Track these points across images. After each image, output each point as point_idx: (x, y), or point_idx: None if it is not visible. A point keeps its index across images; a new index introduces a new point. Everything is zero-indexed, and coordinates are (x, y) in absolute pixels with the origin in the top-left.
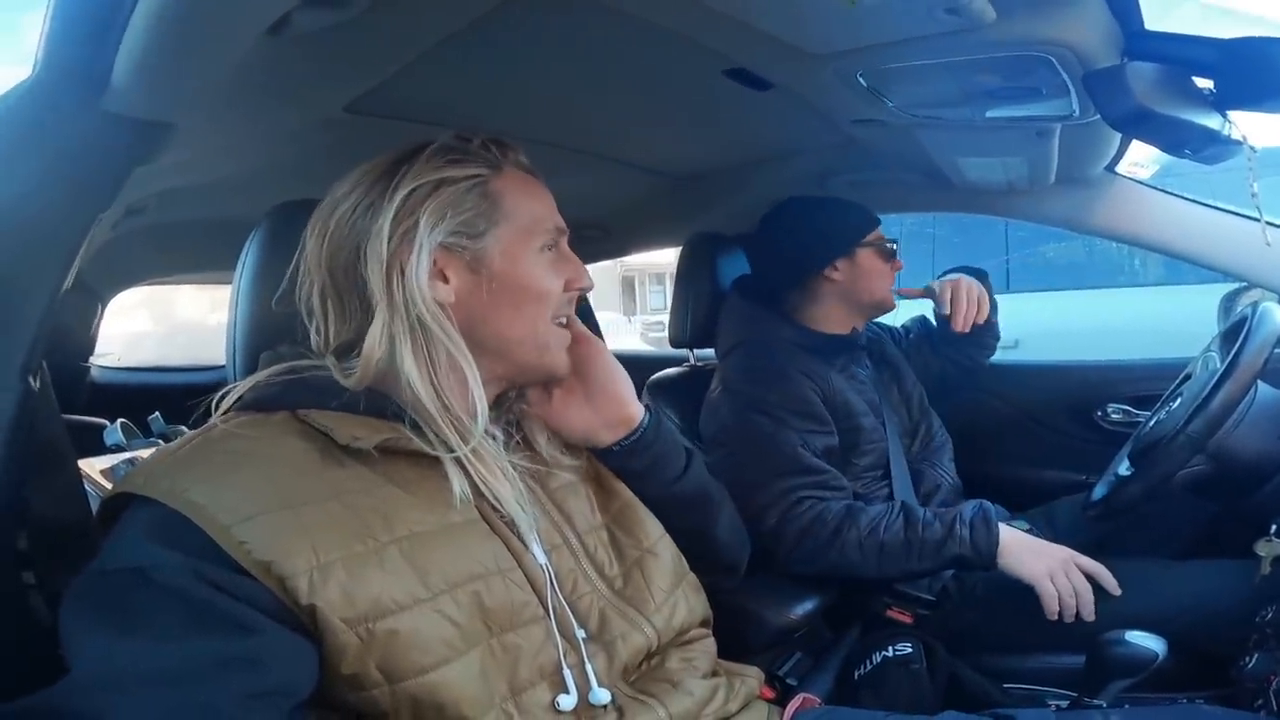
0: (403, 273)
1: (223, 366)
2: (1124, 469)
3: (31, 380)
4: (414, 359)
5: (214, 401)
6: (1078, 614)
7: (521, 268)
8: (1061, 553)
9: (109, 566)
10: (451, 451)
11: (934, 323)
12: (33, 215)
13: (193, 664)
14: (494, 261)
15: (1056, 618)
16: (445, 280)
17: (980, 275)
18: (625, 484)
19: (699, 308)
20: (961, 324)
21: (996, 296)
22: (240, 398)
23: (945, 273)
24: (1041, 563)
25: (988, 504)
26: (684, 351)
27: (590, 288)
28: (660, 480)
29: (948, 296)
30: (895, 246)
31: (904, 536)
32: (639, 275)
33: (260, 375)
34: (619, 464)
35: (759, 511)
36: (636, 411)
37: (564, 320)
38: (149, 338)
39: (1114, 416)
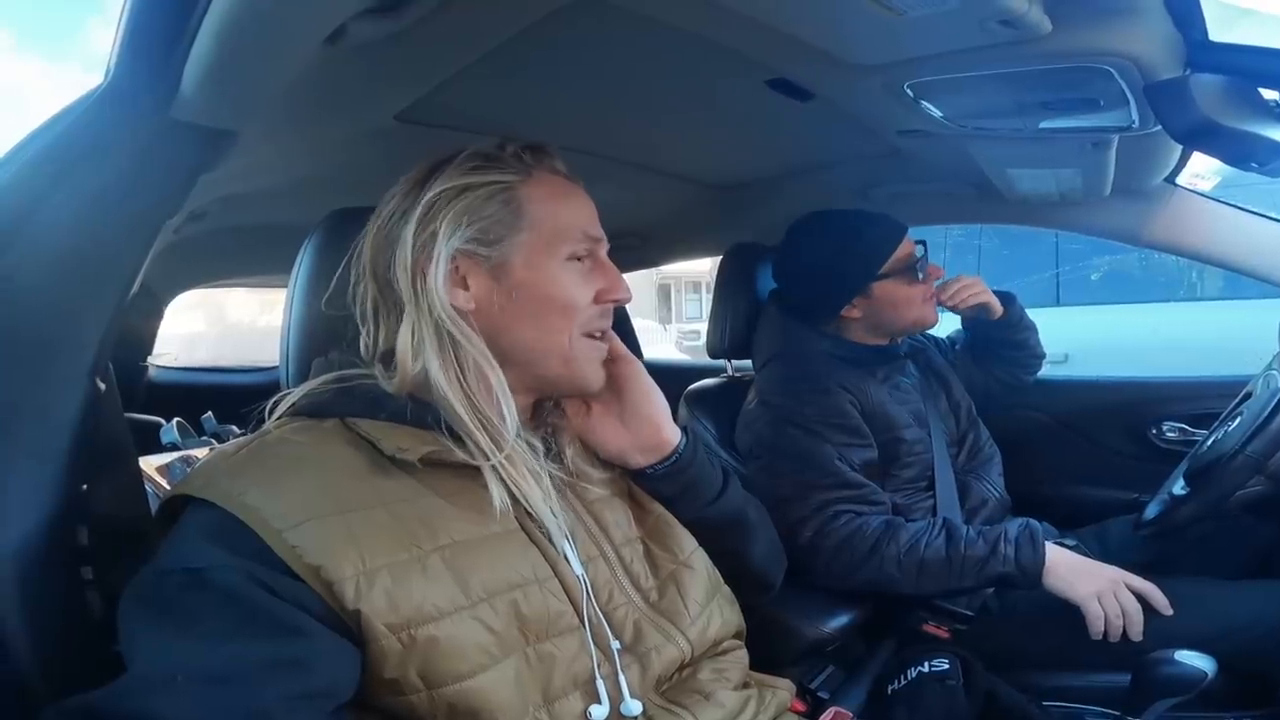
0: (424, 278)
1: (273, 368)
2: (1179, 488)
3: (98, 381)
4: (441, 364)
5: (268, 407)
6: (1125, 634)
7: (544, 276)
8: (1110, 572)
9: (166, 566)
10: (488, 459)
11: (970, 333)
12: (104, 220)
13: (243, 665)
14: (516, 270)
15: (1102, 638)
16: (466, 287)
17: (1006, 295)
18: (690, 502)
19: (737, 318)
20: (946, 297)
21: (1045, 311)
22: (293, 404)
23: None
24: (1089, 583)
25: (1034, 522)
26: (722, 362)
27: (626, 300)
28: (694, 505)
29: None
30: (922, 257)
31: (945, 554)
32: (675, 283)
33: (313, 383)
34: (652, 487)
35: (795, 525)
36: (672, 436)
37: (598, 333)
38: (204, 339)
39: (1169, 434)
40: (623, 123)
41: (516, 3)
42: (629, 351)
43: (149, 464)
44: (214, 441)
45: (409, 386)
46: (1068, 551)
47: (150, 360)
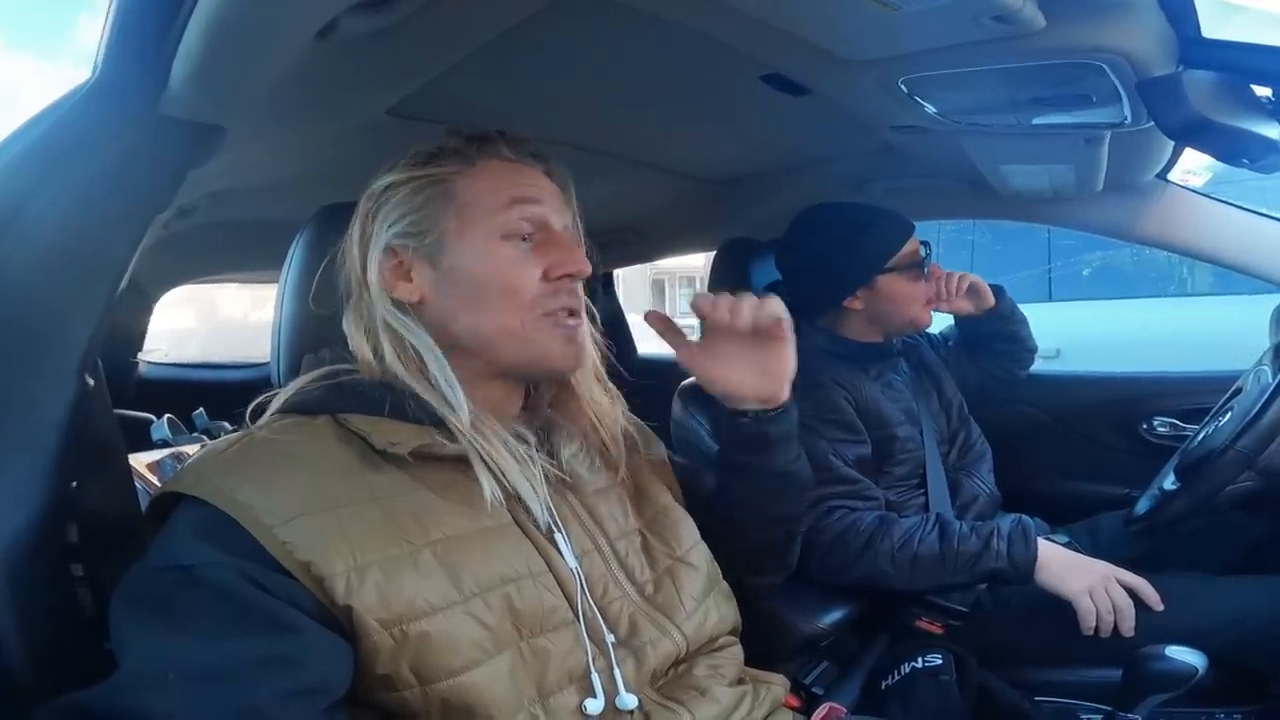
0: (365, 273)
1: (265, 363)
2: (1169, 483)
3: (87, 377)
4: (395, 355)
5: (250, 409)
6: (1116, 629)
7: (479, 261)
8: (1102, 568)
9: (158, 564)
10: (466, 438)
11: (961, 328)
12: (90, 219)
13: (236, 662)
14: (450, 257)
15: (1093, 633)
16: (410, 279)
17: (995, 288)
18: (747, 459)
19: None
20: (939, 298)
21: (1038, 306)
22: (285, 401)
23: None
24: (1081, 579)
25: (1026, 518)
26: None
27: (579, 272)
28: (787, 455)
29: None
30: (926, 257)
31: (939, 550)
32: (669, 278)
33: (303, 380)
34: (760, 429)
35: None
36: (785, 394)
37: (562, 311)
38: (194, 334)
39: (1160, 429)
40: (616, 118)
41: None
42: (788, 315)
43: (139, 461)
44: (205, 438)
45: (378, 376)
46: (1059, 547)
47: (140, 356)
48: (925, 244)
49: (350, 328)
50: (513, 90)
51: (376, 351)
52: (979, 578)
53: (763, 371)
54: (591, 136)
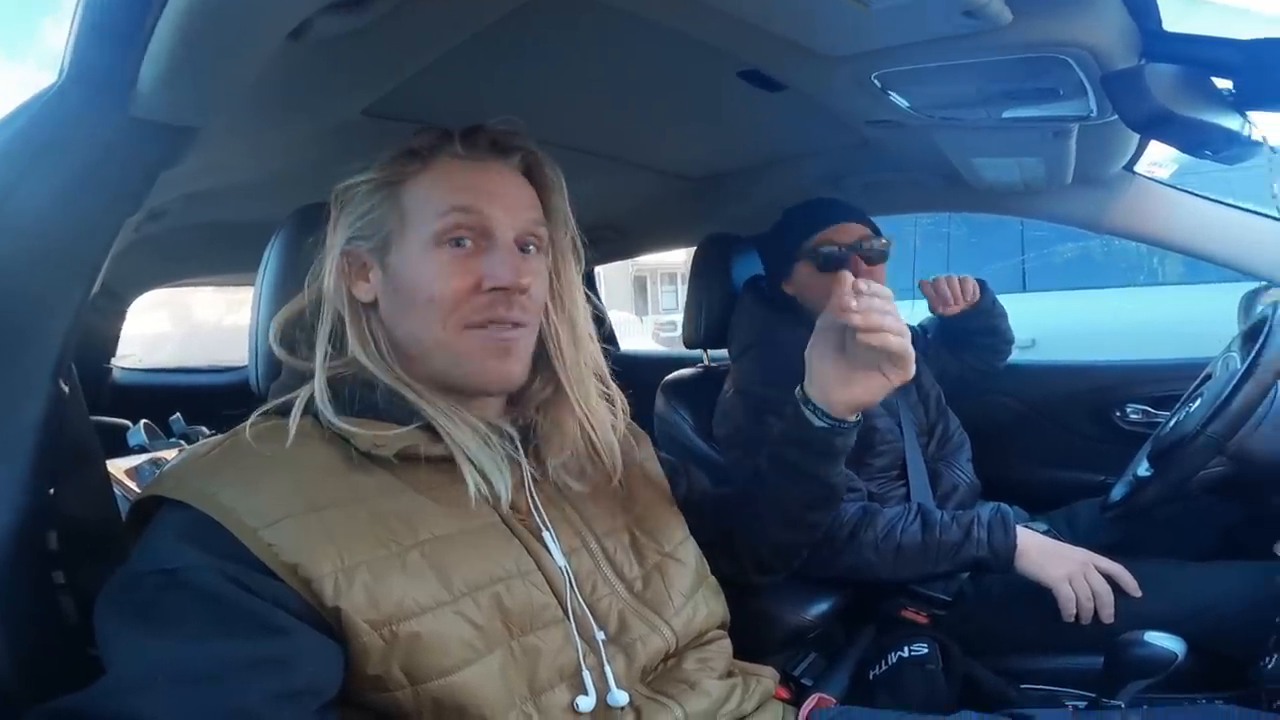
0: (330, 272)
1: (241, 367)
2: (1143, 470)
3: (61, 384)
4: (364, 354)
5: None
6: (1097, 616)
7: (410, 266)
8: (1080, 555)
9: (141, 568)
10: (444, 426)
11: (942, 323)
12: (61, 221)
13: (224, 664)
14: (390, 260)
15: (1074, 620)
16: (368, 280)
17: (980, 282)
18: (803, 462)
19: (712, 309)
20: (950, 302)
21: (1012, 297)
22: (268, 402)
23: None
24: (1060, 566)
25: (1005, 507)
26: (698, 352)
27: (511, 285)
28: (838, 468)
29: (930, 289)
30: (843, 250)
31: (921, 539)
32: (651, 275)
33: (286, 381)
34: (823, 436)
35: None
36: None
37: (498, 323)
38: (169, 339)
39: (1133, 417)
40: (595, 116)
41: None
42: (909, 344)
43: (117, 467)
44: (183, 443)
45: (358, 376)
46: (1038, 535)
47: (114, 362)
48: (860, 243)
49: (323, 329)
50: (489, 89)
51: (349, 351)
52: (961, 567)
53: (865, 388)
54: (570, 135)
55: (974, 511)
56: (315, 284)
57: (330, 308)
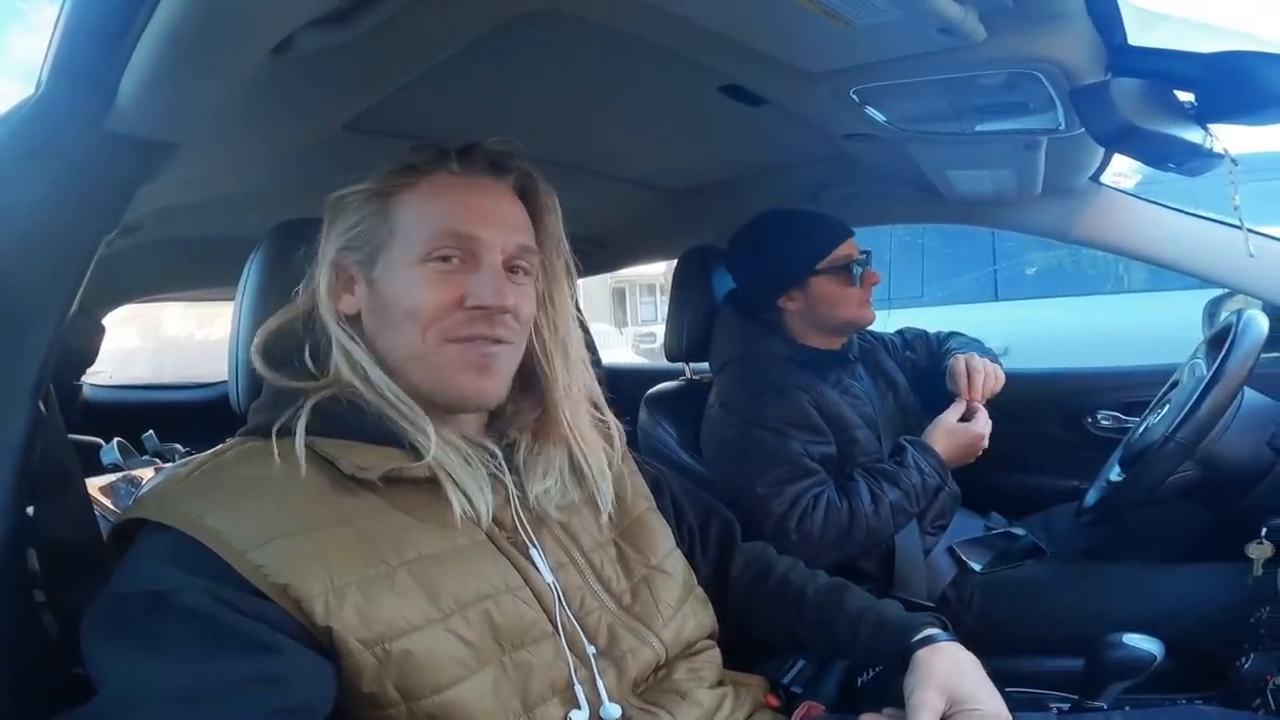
0: (319, 284)
1: (217, 383)
2: (1115, 474)
3: (40, 404)
4: (349, 371)
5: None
6: (1078, 621)
7: (393, 281)
8: (969, 436)
9: (126, 590)
10: (427, 445)
11: (932, 344)
12: (39, 237)
13: (219, 683)
14: (376, 274)
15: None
16: (352, 293)
17: (989, 354)
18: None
19: (694, 322)
20: (978, 394)
21: (984, 306)
22: (248, 422)
23: (944, 346)
24: (962, 437)
25: (913, 439)
26: (679, 365)
27: (495, 306)
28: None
29: (961, 371)
30: (861, 262)
31: (900, 488)
32: (630, 286)
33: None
34: None
35: (780, 519)
36: None
37: (478, 339)
38: (139, 354)
39: (1104, 423)
40: (576, 130)
41: (467, 15)
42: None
43: (92, 485)
44: (158, 460)
45: (342, 394)
46: (939, 436)
47: (83, 379)
48: (865, 252)
49: (308, 344)
50: (471, 104)
51: (333, 368)
52: (931, 496)
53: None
54: (552, 148)
55: (897, 456)
56: (307, 294)
57: (318, 321)
